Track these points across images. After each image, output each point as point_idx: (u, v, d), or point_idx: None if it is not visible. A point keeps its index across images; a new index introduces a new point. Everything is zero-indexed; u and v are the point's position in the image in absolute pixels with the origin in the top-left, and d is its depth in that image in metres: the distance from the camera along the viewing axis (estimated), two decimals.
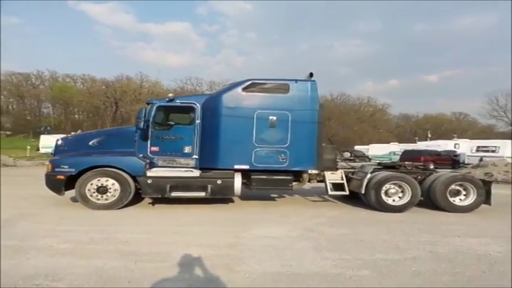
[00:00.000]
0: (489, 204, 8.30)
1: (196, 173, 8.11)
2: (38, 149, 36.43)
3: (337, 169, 9.06)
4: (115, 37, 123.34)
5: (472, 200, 8.30)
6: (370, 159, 41.80)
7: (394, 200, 8.31)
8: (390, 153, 36.81)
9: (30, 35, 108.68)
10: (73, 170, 7.78)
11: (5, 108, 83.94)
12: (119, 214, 7.38)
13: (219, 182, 8.09)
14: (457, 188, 8.43)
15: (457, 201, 8.37)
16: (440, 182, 8.31)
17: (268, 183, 8.33)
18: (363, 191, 8.39)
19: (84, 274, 3.93)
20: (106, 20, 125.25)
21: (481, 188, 8.33)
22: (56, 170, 7.86)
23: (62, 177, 7.78)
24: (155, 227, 6.27)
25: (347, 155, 47.42)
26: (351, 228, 6.48)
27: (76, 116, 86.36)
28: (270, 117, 8.13)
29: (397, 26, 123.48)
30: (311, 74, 8.50)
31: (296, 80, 8.42)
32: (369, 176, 8.48)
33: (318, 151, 8.43)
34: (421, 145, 40.90)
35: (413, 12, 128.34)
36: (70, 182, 7.82)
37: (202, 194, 8.00)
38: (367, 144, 54.08)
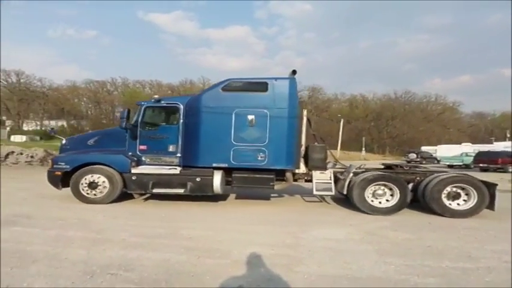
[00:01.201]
0: (493, 209, 7.49)
1: (177, 170, 8.38)
2: None
3: (326, 169, 8.79)
4: (179, 44, 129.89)
5: (472, 204, 7.58)
6: (438, 161, 39.14)
7: (380, 202, 7.90)
8: (462, 154, 34.00)
9: (105, 46, 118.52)
10: (68, 166, 8.47)
11: (84, 113, 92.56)
12: (184, 212, 7.77)
13: (198, 179, 8.27)
14: (457, 190, 7.72)
15: (454, 204, 7.70)
16: (433, 183, 7.72)
17: (249, 182, 8.35)
18: (344, 192, 8.21)
19: (153, 266, 4.21)
20: (171, 28, 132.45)
21: (482, 191, 7.56)
22: (55, 166, 8.58)
23: (59, 173, 8.48)
24: (217, 225, 6.49)
25: (413, 156, 45.00)
26: (416, 233, 6.13)
27: None
28: (249, 116, 8.11)
29: (470, 18, 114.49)
30: (294, 72, 8.25)
31: (276, 78, 8.28)
32: (351, 175, 8.26)
33: (297, 149, 8.32)
34: (498, 146, 37.35)
35: (488, 2, 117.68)
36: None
37: (181, 190, 8.26)
38: (435, 145, 50.62)
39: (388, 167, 9.28)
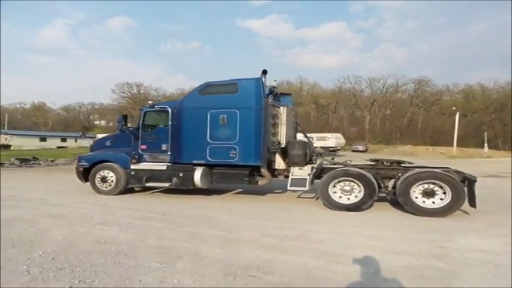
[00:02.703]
0: (474, 206, 7.08)
1: (164, 166, 9.34)
2: None
3: (305, 164, 8.78)
4: (275, 46, 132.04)
5: (446, 202, 7.08)
6: None
7: (349, 199, 7.83)
8: None
9: (207, 54, 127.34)
10: (87, 164, 10.14)
11: None
12: (300, 212, 7.62)
13: (181, 174, 9.14)
14: (432, 187, 7.24)
15: (428, 202, 7.23)
16: (402, 180, 7.46)
17: (226, 177, 9.07)
18: (306, 188, 8.42)
19: (291, 270, 4.07)
20: (267, 32, 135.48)
21: (456, 188, 7.04)
22: (79, 163, 10.33)
23: (81, 169, 10.16)
24: (342, 228, 6.14)
25: None
26: None
27: None
28: (221, 116, 8.67)
29: None
30: (264, 71, 8.59)
31: (244, 79, 8.69)
32: (313, 171, 8.44)
33: (264, 146, 8.49)
34: None
35: None
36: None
37: (166, 184, 9.33)
38: None
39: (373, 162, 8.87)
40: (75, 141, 67.81)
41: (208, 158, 8.87)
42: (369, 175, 7.78)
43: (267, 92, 8.82)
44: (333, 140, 44.52)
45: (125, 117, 10.12)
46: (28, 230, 5.88)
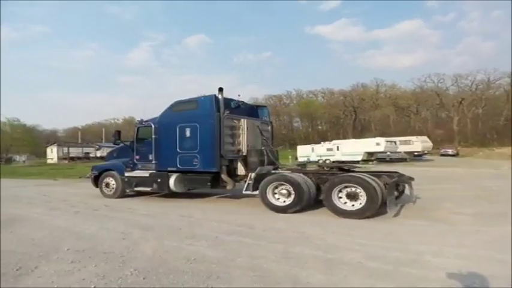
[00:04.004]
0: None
1: (147, 173, 10.80)
2: (297, 158, 41.38)
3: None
4: (346, 50, 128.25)
5: (362, 205, 7.45)
6: None
7: (284, 201, 8.43)
8: None
9: (278, 63, 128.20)
10: (96, 172, 12.24)
11: None
12: (399, 226, 6.56)
13: (159, 180, 10.45)
14: (354, 190, 7.62)
15: (349, 205, 7.67)
16: (326, 184, 8.08)
17: (193, 182, 10.44)
18: (243, 191, 9.28)
19: None
20: (337, 36, 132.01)
21: (370, 191, 7.34)
22: (92, 172, 12.55)
23: (93, 176, 12.29)
24: (462, 250, 5.02)
25: None
26: None
27: (319, 127, 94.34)
28: (186, 129, 9.91)
29: None
30: (220, 89, 9.65)
31: (203, 97, 10.13)
32: (252, 175, 9.20)
33: (217, 154, 9.45)
34: None
35: None
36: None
37: (149, 189, 10.79)
38: None
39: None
40: None
41: (179, 166, 10.16)
42: (300, 180, 8.31)
43: (233, 105, 10.28)
44: (418, 143, 41.11)
45: (118, 132, 12.08)
46: (120, 242, 5.83)
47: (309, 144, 48.08)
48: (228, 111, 9.76)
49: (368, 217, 7.34)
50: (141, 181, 10.95)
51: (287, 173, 9.12)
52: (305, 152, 41.76)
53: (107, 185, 11.72)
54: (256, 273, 4.25)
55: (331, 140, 45.60)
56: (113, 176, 11.60)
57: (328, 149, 39.38)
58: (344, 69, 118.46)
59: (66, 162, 56.32)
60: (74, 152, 64.25)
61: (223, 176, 9.75)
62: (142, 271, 4.38)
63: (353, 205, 7.62)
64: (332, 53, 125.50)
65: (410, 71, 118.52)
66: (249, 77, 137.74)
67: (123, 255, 5.07)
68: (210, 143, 9.55)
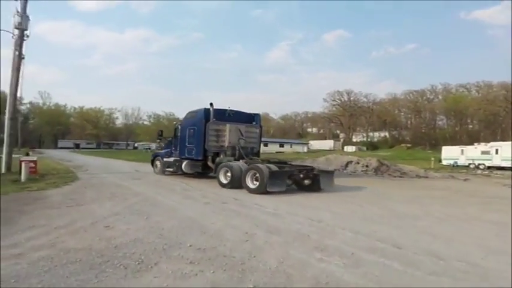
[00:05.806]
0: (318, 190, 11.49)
1: (173, 159, 16.54)
2: (440, 161, 36.16)
3: (235, 160, 13.33)
4: (509, 35, 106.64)
5: (258, 184, 10.87)
6: None
7: (227, 180, 12.30)
8: None
9: (423, 56, 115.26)
10: (152, 157, 19.36)
11: (404, 123, 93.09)
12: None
13: (177, 164, 16.05)
14: (255, 173, 11.07)
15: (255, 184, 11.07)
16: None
17: (193, 167, 15.27)
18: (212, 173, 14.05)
19: None
20: (500, 20, 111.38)
21: (263, 174, 10.63)
22: (152, 157, 19.72)
23: (151, 159, 19.54)
24: None
25: None
26: None
27: (470, 126, 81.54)
28: (190, 131, 15.25)
29: None
30: (211, 104, 14.41)
31: (201, 109, 14.89)
32: (215, 165, 13.82)
33: (202, 148, 14.36)
34: None
35: None
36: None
37: (171, 169, 16.69)
38: None
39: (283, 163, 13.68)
40: (291, 146, 74.02)
41: (186, 155, 15.41)
42: (235, 166, 12.22)
43: (226, 114, 15.03)
44: None
45: (161, 131, 19.67)
46: (243, 245, 5.25)
47: (456, 145, 41.22)
48: (214, 119, 14.32)
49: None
50: (170, 164, 16.70)
51: (230, 162, 12.85)
52: (452, 154, 36.00)
53: (156, 165, 18.36)
54: None
55: (485, 142, 37.43)
56: (158, 160, 18.22)
57: (484, 152, 33.02)
58: (506, 58, 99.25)
59: None
60: None
61: (209, 163, 14.37)
62: None
63: (254, 184, 11.05)
64: (492, 40, 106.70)
65: None
66: (387, 72, 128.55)
67: (243, 263, 4.42)
68: (199, 140, 14.52)
